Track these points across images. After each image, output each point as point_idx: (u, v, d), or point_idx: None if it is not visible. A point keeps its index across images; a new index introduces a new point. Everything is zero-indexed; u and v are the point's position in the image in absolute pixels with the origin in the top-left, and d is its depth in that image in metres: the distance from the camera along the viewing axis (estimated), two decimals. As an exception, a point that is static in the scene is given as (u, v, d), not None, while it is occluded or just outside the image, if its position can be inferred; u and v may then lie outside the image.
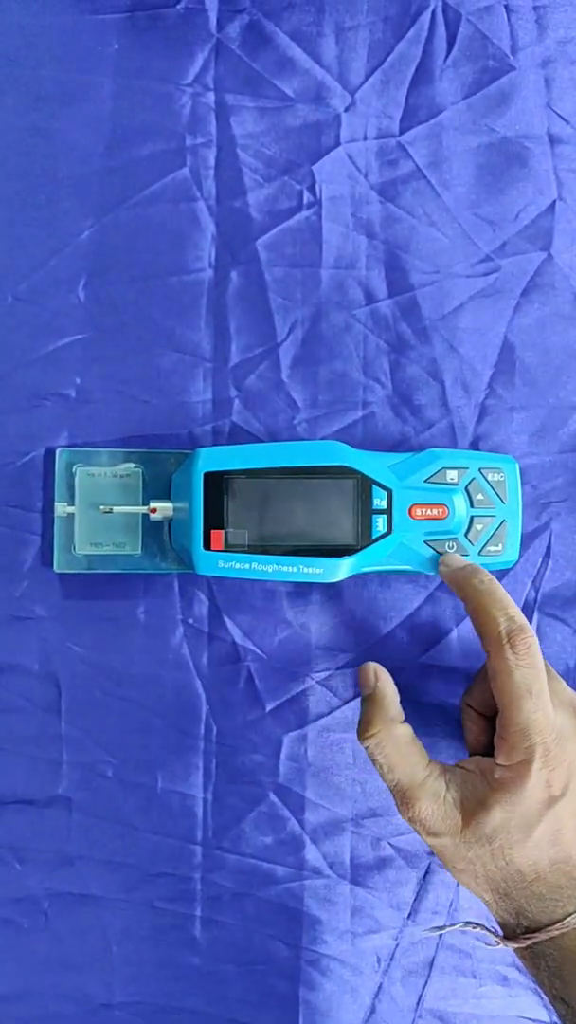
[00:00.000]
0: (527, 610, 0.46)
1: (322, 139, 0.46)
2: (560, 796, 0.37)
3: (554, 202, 0.47)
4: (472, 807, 0.38)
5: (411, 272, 0.46)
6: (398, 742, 0.40)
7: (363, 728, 0.40)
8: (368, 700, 0.41)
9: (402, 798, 0.39)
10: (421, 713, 0.45)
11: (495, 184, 0.47)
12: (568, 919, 0.38)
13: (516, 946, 0.39)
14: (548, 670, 0.40)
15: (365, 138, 0.46)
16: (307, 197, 0.45)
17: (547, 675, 0.39)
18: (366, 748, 0.40)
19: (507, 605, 0.39)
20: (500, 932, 0.40)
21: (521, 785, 0.37)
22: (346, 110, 0.46)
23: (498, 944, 0.40)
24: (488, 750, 0.42)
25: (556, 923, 0.38)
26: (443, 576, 0.42)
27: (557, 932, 0.38)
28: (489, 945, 0.40)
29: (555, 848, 0.38)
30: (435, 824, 0.38)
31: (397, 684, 0.41)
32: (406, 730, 0.40)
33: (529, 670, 0.37)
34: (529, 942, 0.38)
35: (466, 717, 0.44)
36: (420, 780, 0.39)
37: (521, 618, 0.38)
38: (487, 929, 0.41)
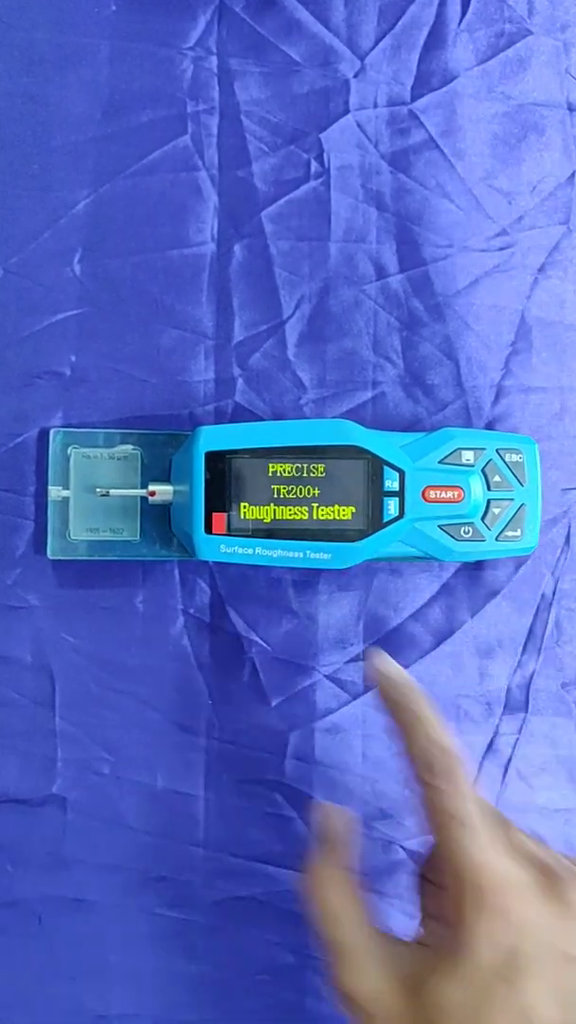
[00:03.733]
0: (544, 603, 0.45)
1: (330, 106, 0.44)
2: (513, 962, 0.30)
3: (573, 173, 0.45)
4: (412, 983, 0.31)
5: (424, 246, 0.44)
6: (336, 891, 0.34)
7: (306, 869, 0.35)
8: (319, 841, 0.36)
9: (331, 960, 0.33)
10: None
11: (511, 154, 0.45)
12: None
13: None
14: (508, 823, 0.35)
15: (375, 105, 0.44)
16: (314, 167, 0.44)
17: (505, 825, 0.34)
18: (302, 895, 0.35)
19: (429, 726, 0.34)
20: None
21: (459, 940, 0.30)
22: (355, 76, 0.44)
23: None
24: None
25: None
26: (376, 682, 0.37)
27: None
28: None
29: None
30: (367, 1003, 0.31)
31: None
32: (348, 882, 0.35)
33: (450, 794, 0.33)
34: None
35: (422, 888, 0.38)
36: (352, 944, 0.33)
37: (441, 737, 0.34)
38: None
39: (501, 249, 0.45)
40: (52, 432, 0.42)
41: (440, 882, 0.33)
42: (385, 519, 0.39)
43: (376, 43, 0.44)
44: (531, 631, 0.45)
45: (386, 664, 0.37)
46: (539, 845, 0.35)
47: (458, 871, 0.31)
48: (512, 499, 0.41)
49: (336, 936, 0.33)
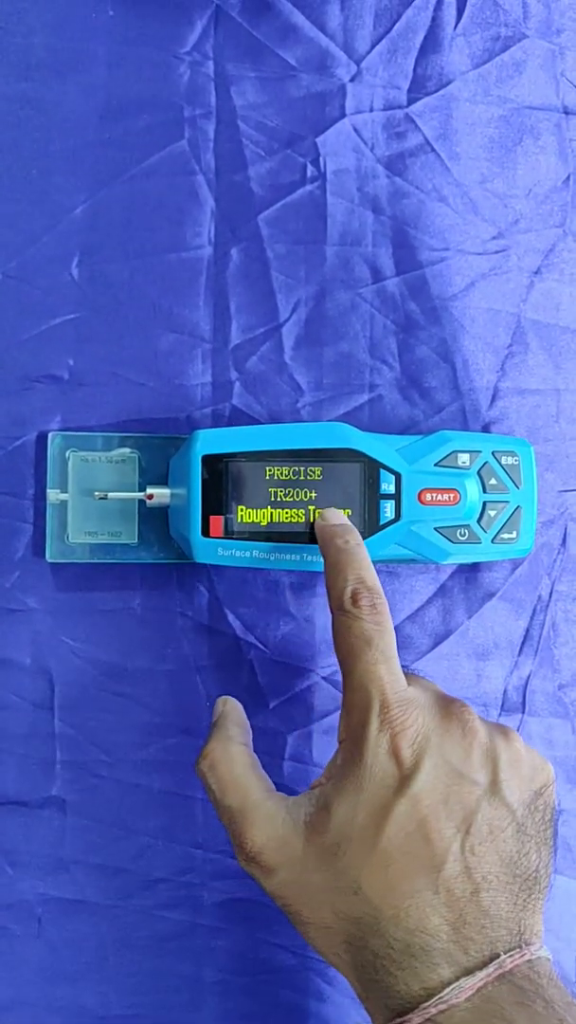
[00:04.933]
0: (541, 604, 0.45)
1: (326, 110, 0.44)
2: (412, 774, 0.30)
3: (568, 176, 0.45)
4: (313, 817, 0.31)
5: (420, 249, 0.44)
6: (233, 762, 0.34)
7: (200, 755, 0.35)
8: (211, 727, 0.37)
9: (233, 827, 0.32)
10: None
11: (507, 157, 0.45)
12: (447, 991, 0.27)
13: None
14: (420, 679, 0.36)
15: (371, 109, 0.44)
16: (311, 171, 0.44)
17: (417, 679, 0.35)
18: (200, 776, 0.34)
19: (362, 568, 0.35)
20: None
21: (359, 756, 0.31)
22: (351, 80, 0.44)
23: None
24: None
25: (431, 997, 0.27)
26: (316, 529, 0.38)
27: (435, 1010, 0.27)
28: None
29: None
30: (271, 855, 0.31)
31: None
32: (245, 752, 0.35)
33: (372, 625, 0.33)
34: None
35: None
36: (253, 802, 0.32)
37: (373, 581, 0.34)
38: None
39: (497, 252, 0.45)
40: (50, 435, 0.42)
41: (347, 707, 0.32)
42: (381, 522, 0.39)
43: (372, 47, 0.44)
44: (527, 633, 0.45)
45: (332, 513, 0.38)
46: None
47: (364, 688, 0.32)
48: (508, 501, 0.41)
49: (236, 802, 0.33)
